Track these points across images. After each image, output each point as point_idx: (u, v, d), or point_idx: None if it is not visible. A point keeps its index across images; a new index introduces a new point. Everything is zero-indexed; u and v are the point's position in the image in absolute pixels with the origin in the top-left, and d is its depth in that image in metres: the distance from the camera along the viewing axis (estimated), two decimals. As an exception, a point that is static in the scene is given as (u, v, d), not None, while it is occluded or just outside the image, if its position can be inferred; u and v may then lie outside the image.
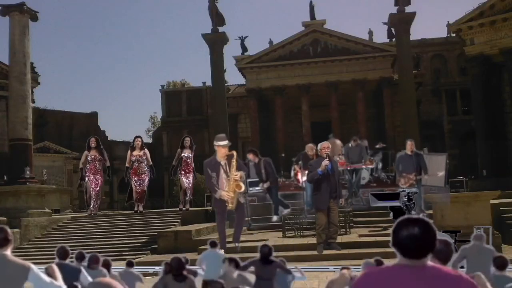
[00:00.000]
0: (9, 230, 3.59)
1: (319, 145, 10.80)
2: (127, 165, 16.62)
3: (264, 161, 13.29)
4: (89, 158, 16.79)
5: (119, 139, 42.50)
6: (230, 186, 10.09)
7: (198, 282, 5.91)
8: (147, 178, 16.58)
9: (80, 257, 6.22)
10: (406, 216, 2.20)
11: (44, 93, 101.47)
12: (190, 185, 16.62)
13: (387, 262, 9.16)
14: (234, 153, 10.31)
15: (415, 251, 2.10)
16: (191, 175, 16.54)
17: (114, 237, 14.88)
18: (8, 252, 3.52)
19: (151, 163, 16.73)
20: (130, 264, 6.86)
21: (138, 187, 16.51)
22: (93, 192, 16.82)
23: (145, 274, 9.10)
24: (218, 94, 27.28)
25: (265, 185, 13.25)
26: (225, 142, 10.25)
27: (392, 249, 2.15)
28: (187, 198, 16.78)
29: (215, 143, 10.37)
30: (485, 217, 10.79)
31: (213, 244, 7.09)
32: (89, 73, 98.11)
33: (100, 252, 12.72)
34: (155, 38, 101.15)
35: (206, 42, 26.87)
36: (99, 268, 5.98)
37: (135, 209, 17.31)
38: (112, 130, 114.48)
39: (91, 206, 17.06)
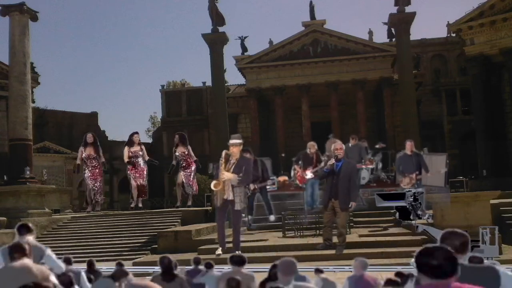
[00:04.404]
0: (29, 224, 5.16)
1: (333, 145, 10.93)
2: (126, 160, 16.89)
3: (260, 161, 13.48)
4: (83, 155, 16.97)
5: (119, 139, 42.44)
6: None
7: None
8: (145, 172, 16.93)
9: (67, 261, 6.19)
10: (428, 245, 2.28)
11: (44, 93, 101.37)
12: (190, 179, 16.78)
13: (386, 261, 9.09)
14: (225, 152, 10.35)
15: (443, 270, 2.13)
16: (189, 169, 16.75)
17: (114, 237, 14.86)
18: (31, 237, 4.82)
19: (147, 158, 17.06)
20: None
21: (138, 181, 16.82)
22: (94, 188, 17.28)
23: (145, 274, 9.11)
24: (218, 94, 27.27)
25: (258, 185, 13.30)
26: (234, 141, 10.43)
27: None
28: (186, 194, 16.92)
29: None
30: (485, 217, 10.78)
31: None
32: (89, 73, 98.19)
33: (100, 252, 12.81)
34: (155, 38, 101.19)
35: (206, 42, 26.86)
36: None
37: (132, 205, 17.59)
38: (112, 130, 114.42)
39: (99, 201, 17.59)
